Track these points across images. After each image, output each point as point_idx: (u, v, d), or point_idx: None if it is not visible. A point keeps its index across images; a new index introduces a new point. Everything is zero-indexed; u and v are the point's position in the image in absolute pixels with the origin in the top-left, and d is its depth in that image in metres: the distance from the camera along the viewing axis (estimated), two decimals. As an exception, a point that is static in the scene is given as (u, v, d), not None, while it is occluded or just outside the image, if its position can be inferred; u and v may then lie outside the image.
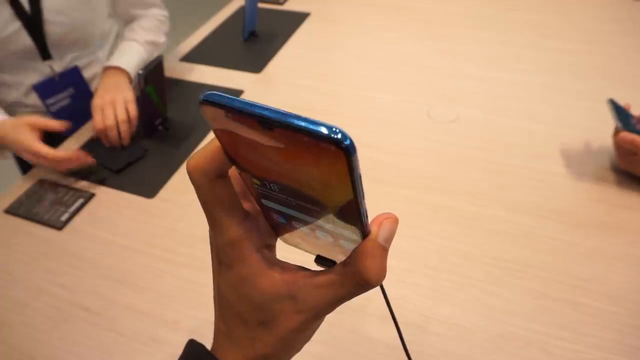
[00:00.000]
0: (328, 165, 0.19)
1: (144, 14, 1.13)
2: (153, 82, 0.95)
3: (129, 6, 1.11)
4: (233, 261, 0.26)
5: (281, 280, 0.26)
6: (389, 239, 0.24)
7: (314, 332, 0.29)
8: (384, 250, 0.23)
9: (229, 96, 0.20)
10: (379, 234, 0.23)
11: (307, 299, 0.25)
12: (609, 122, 0.94)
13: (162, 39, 1.14)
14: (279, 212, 0.26)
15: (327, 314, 0.26)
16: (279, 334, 0.27)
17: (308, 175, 0.20)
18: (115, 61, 1.00)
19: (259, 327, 0.27)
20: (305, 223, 0.25)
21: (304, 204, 0.23)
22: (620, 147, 0.85)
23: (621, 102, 0.91)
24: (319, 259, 0.29)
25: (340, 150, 0.18)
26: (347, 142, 0.18)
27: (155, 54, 1.11)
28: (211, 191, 0.24)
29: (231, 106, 0.20)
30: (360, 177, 0.20)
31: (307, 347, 0.30)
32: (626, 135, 0.82)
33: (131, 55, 1.04)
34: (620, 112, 0.87)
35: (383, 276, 0.23)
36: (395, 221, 0.24)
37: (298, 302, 0.26)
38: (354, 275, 0.24)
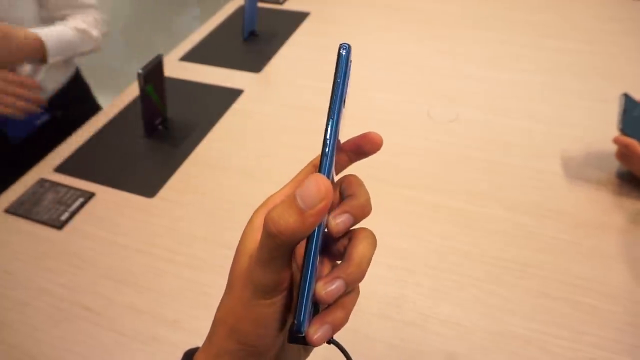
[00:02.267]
0: None
1: (75, 14, 1.09)
2: (153, 81, 0.95)
3: (58, 9, 1.07)
4: (251, 219, 0.28)
5: (256, 239, 0.26)
6: (304, 196, 0.22)
7: (274, 317, 0.25)
8: (292, 199, 0.22)
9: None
10: (300, 187, 0.23)
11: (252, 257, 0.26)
12: (609, 122, 0.94)
13: (94, 32, 1.09)
14: None
15: (260, 278, 0.24)
16: (230, 298, 0.26)
17: None
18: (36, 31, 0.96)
19: (226, 290, 0.27)
20: None
21: None
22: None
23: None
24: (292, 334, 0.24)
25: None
26: (345, 45, 0.27)
27: (88, 45, 1.07)
28: (308, 172, 0.31)
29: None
30: (343, 83, 0.27)
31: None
32: (622, 139, 0.82)
33: (54, 29, 1.00)
34: (633, 108, 0.86)
35: (281, 225, 0.22)
36: (317, 183, 0.22)
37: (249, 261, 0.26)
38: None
